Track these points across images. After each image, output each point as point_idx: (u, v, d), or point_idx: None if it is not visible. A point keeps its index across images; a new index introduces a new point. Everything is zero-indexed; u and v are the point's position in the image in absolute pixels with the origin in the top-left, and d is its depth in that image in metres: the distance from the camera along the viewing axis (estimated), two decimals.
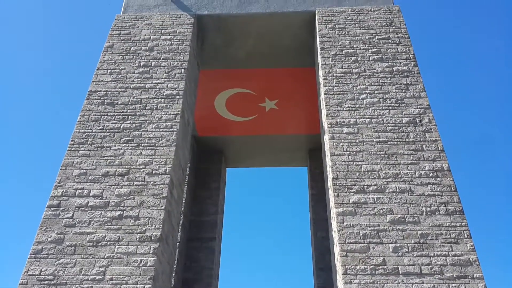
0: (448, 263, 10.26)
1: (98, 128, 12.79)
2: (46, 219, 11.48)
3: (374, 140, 12.01)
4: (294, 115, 17.65)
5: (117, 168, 12.09)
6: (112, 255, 10.90)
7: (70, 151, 12.52)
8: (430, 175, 11.43)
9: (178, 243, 14.70)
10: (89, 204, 11.60)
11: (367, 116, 12.37)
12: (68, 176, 12.07)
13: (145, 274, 10.65)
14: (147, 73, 13.71)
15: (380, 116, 12.35)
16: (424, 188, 11.24)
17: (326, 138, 12.66)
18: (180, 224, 15.05)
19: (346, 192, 11.36)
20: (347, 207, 11.21)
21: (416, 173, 11.48)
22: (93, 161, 12.26)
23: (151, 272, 10.71)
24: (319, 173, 17.49)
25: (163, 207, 11.48)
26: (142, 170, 12.03)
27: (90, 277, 10.62)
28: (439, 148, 11.77)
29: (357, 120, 12.33)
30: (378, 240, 10.68)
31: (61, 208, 11.63)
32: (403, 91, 12.75)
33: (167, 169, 12.02)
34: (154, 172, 11.98)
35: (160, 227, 11.19)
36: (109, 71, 13.86)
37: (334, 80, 13.06)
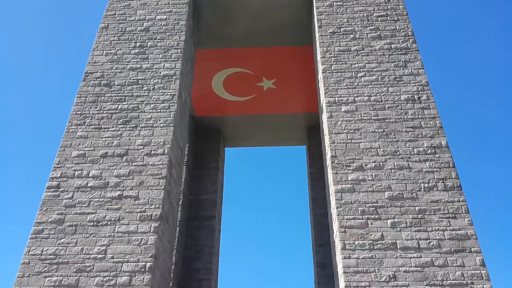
0: (446, 238, 10.38)
1: (95, 109, 12.75)
2: (46, 200, 11.53)
3: (373, 118, 12.01)
4: (292, 94, 17.61)
5: (115, 149, 12.10)
6: (112, 234, 10.99)
7: (68, 133, 12.50)
8: (429, 151, 11.48)
9: (178, 222, 14.82)
10: (89, 185, 11.65)
11: (365, 94, 12.35)
12: (67, 158, 12.08)
13: (146, 252, 10.76)
14: (143, 54, 13.61)
15: (378, 94, 12.33)
16: (422, 165, 11.30)
17: (324, 117, 12.66)
18: (179, 203, 15.14)
19: (344, 169, 11.41)
20: (345, 184, 11.28)
21: (415, 150, 11.52)
22: (91, 143, 12.26)
23: (152, 250, 10.82)
24: (318, 152, 17.54)
25: (163, 187, 11.53)
26: (140, 150, 12.04)
27: (92, 256, 10.73)
28: (438, 125, 11.79)
29: (356, 98, 12.31)
30: (377, 216, 10.78)
31: (61, 189, 11.68)
32: (402, 68, 12.70)
33: (166, 149, 12.04)
34: (152, 152, 12.00)
35: (160, 207, 11.26)
36: (104, 52, 13.75)
37: (332, 58, 13.00)
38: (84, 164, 11.92)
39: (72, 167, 11.91)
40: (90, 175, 11.78)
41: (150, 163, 11.84)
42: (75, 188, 11.63)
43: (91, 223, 11.12)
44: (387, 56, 12.95)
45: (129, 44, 13.86)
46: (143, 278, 10.42)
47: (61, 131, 13.02)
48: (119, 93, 12.93)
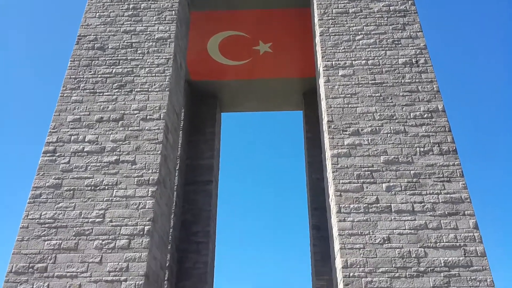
0: (440, 201, 10.52)
1: (90, 73, 12.58)
2: (43, 165, 11.54)
3: (370, 82, 11.93)
4: (289, 58, 17.39)
5: (111, 114, 12.02)
6: (110, 198, 11.08)
7: (63, 97, 12.38)
8: (425, 116, 11.47)
9: (175, 186, 14.92)
10: (85, 150, 11.63)
11: (363, 58, 12.21)
12: (62, 122, 12.01)
13: (144, 216, 10.88)
14: (136, 16, 13.32)
15: (376, 58, 12.19)
16: (418, 129, 11.31)
17: (321, 81, 12.55)
18: (176, 168, 15.20)
19: (341, 134, 11.42)
20: (341, 149, 11.31)
21: (411, 114, 11.50)
22: (86, 107, 12.16)
23: (150, 214, 10.94)
24: (314, 117, 17.50)
25: (159, 152, 11.54)
26: (136, 115, 11.97)
27: (90, 220, 10.85)
28: (435, 89, 11.73)
29: (353, 62, 12.18)
30: (372, 180, 10.88)
31: (57, 154, 11.67)
32: (400, 31, 12.51)
33: (162, 114, 11.97)
34: (148, 117, 11.93)
35: (157, 171, 11.31)
36: (97, 14, 13.44)
37: (330, 20, 12.76)
38: (80, 129, 11.87)
39: (68, 132, 11.86)
40: (86, 140, 11.75)
41: (146, 128, 11.79)
42: (71, 153, 11.62)
43: (89, 188, 11.18)
44: (385, 18, 12.73)
45: (122, 6, 13.54)
46: (142, 241, 10.58)
47: (56, 95, 12.90)
48: (113, 56, 12.73)
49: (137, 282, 10.22)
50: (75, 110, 12.14)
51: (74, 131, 11.86)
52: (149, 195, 11.20)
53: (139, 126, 11.82)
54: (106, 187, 11.18)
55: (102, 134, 11.75)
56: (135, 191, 11.16)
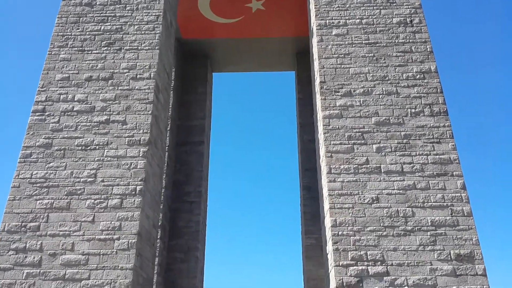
0: (429, 162, 10.65)
1: (78, 30, 12.26)
2: (32, 124, 11.43)
3: (363, 42, 11.77)
4: (282, 17, 17.03)
5: (100, 73, 11.82)
6: (101, 158, 11.06)
7: (51, 55, 12.11)
8: (417, 77, 11.41)
9: (167, 147, 14.91)
10: (75, 109, 11.50)
11: (357, 17, 11.99)
12: (51, 81, 11.81)
13: (136, 176, 10.92)
14: None
15: (370, 17, 11.97)
16: (410, 90, 11.28)
17: (314, 41, 12.36)
18: (168, 128, 15.14)
19: (333, 95, 11.37)
20: (333, 110, 11.29)
21: (404, 75, 11.44)
22: (75, 65, 11.93)
23: (142, 174, 10.98)
24: (307, 77, 17.36)
25: (150, 112, 11.45)
26: (126, 74, 11.78)
27: (82, 179, 10.87)
28: (428, 49, 11.62)
29: (347, 21, 11.96)
30: (363, 141, 10.93)
31: (47, 113, 11.53)
32: None
33: (152, 73, 11.79)
34: (138, 76, 11.76)
35: (148, 131, 11.26)
36: None
37: None
38: (69, 88, 11.69)
39: (57, 90, 11.68)
40: (75, 99, 11.60)
41: (136, 87, 11.64)
42: (61, 112, 11.49)
43: (79, 147, 11.13)
44: None
45: None
46: (134, 200, 10.66)
47: (44, 53, 12.61)
48: (101, 13, 12.38)
49: (130, 241, 10.38)
50: (63, 69, 11.91)
51: (63, 90, 11.68)
52: (140, 155, 11.19)
53: (129, 86, 11.66)
54: (97, 147, 11.14)
55: (92, 93, 11.59)
56: (126, 151, 11.14)
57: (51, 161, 11.38)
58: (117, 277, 10.16)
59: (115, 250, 10.42)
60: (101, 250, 10.40)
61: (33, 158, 11.35)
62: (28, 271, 10.21)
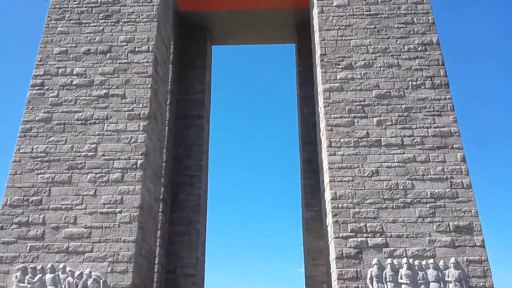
0: (430, 135, 10.64)
1: (75, 3, 12.06)
2: (32, 98, 11.37)
3: (365, 13, 11.60)
4: None
5: (98, 46, 11.69)
6: (102, 132, 11.05)
7: (48, 28, 11.96)
8: (419, 48, 11.29)
9: (167, 121, 14.86)
10: (74, 83, 11.43)
11: None
12: (49, 55, 11.69)
13: (137, 150, 10.94)
14: None
15: None
16: (411, 62, 11.18)
17: (315, 12, 12.18)
18: (167, 102, 15.06)
19: (333, 68, 11.28)
20: (334, 83, 11.22)
21: (405, 47, 11.32)
22: (73, 39, 11.79)
23: (142, 148, 11.00)
24: (307, 50, 17.17)
25: (149, 86, 11.38)
26: (124, 47, 11.65)
27: (83, 154, 10.89)
28: (430, 20, 11.46)
29: None
30: (363, 114, 10.91)
31: (46, 87, 11.46)
32: None
33: (150, 46, 11.66)
34: (137, 49, 11.63)
35: (148, 105, 11.21)
36: None
37: None
38: (67, 62, 11.58)
39: (55, 64, 11.58)
40: (74, 73, 11.51)
41: (135, 60, 11.53)
42: (59, 86, 11.42)
43: (79, 122, 11.11)
44: None
45: None
46: (135, 174, 10.71)
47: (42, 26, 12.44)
48: None
49: (132, 214, 10.48)
50: (61, 42, 11.77)
51: (62, 63, 11.57)
52: (140, 129, 11.18)
53: (128, 59, 11.55)
54: (97, 121, 11.12)
55: (90, 67, 11.49)
56: (126, 125, 11.13)
57: (51, 135, 11.37)
58: (119, 249, 10.30)
59: (117, 223, 10.53)
60: (104, 223, 10.50)
61: (33, 132, 11.33)
62: (32, 244, 10.34)
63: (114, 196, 10.55)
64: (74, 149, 10.92)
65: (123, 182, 10.61)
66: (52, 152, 10.94)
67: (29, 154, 10.93)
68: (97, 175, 10.66)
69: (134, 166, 10.74)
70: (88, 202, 10.50)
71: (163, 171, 13.69)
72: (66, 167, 10.80)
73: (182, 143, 15.49)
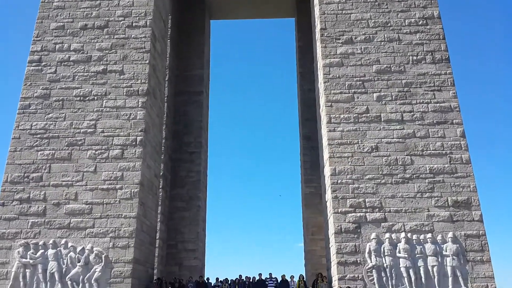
0: (430, 110, 10.61)
1: None
2: (30, 75, 11.28)
3: None
4: None
5: (95, 21, 11.53)
6: (100, 109, 11.01)
7: (44, 3, 11.78)
8: (420, 23, 11.15)
9: (166, 97, 14.78)
10: (71, 59, 11.32)
11: None
12: (46, 30, 11.55)
13: (136, 126, 10.91)
14: None
15: None
16: (412, 37, 11.06)
17: None
18: (166, 78, 14.94)
19: (333, 43, 11.16)
20: (334, 58, 11.12)
21: (406, 21, 11.17)
22: (69, 14, 11.62)
23: (141, 125, 10.97)
24: (307, 24, 16.94)
25: (147, 61, 11.27)
26: (121, 22, 11.50)
27: (82, 130, 10.87)
28: None
29: None
30: (363, 90, 10.85)
31: (43, 63, 11.36)
32: None
33: (148, 21, 11.51)
34: (134, 24, 11.48)
35: (146, 81, 11.13)
36: None
37: None
38: (64, 37, 11.44)
39: (52, 40, 11.45)
40: (71, 49, 11.38)
41: (132, 36, 11.39)
42: (57, 62, 11.31)
43: (78, 98, 11.05)
44: None
45: None
46: (135, 151, 10.72)
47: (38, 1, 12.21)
48: None
49: (132, 190, 10.53)
50: (58, 17, 11.61)
51: (59, 39, 11.44)
52: (139, 105, 11.12)
53: (125, 34, 11.41)
54: (95, 97, 11.05)
55: (88, 42, 11.36)
56: (125, 102, 11.07)
57: (50, 112, 11.31)
58: (121, 225, 10.39)
59: (118, 199, 10.59)
60: (104, 200, 10.56)
61: (32, 109, 11.27)
62: (33, 220, 10.42)
63: (114, 172, 10.58)
64: (73, 126, 10.89)
65: (123, 158, 10.63)
66: (52, 128, 10.92)
67: (28, 131, 10.91)
68: (97, 152, 10.67)
69: (134, 143, 10.74)
70: (89, 178, 10.54)
71: (162, 147, 13.70)
72: (66, 143, 10.80)
73: (181, 120, 15.46)
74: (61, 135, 10.84)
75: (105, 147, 10.70)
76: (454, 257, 9.70)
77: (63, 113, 11.02)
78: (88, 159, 10.62)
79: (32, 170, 10.62)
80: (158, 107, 12.38)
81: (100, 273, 9.87)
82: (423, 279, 9.56)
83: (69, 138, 10.81)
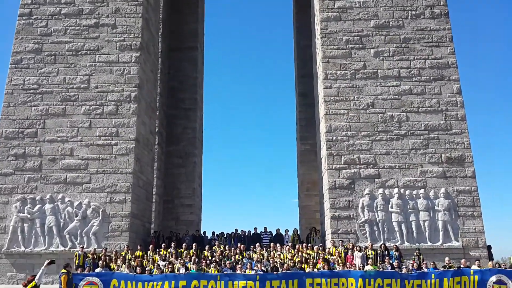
0: (427, 66, 10.51)
1: None
2: (21, 29, 11.01)
3: None
4: None
5: None
6: (93, 64, 10.83)
7: None
8: None
9: (160, 53, 14.53)
10: (62, 12, 11.02)
11: None
12: None
13: (130, 82, 10.78)
14: None
15: None
16: None
17: None
18: (160, 33, 14.63)
19: None
20: (332, 12, 10.88)
21: None
22: None
23: (135, 80, 10.83)
24: None
25: (140, 15, 10.98)
26: None
27: (75, 86, 10.73)
28: None
29: None
30: (361, 45, 10.69)
31: (34, 17, 11.06)
32: None
33: None
34: None
35: (140, 36, 10.90)
36: None
37: None
38: None
39: None
40: (62, 1, 11.06)
41: None
42: (48, 15, 11.02)
43: (70, 53, 10.84)
44: None
45: None
46: (130, 107, 10.64)
47: None
48: None
49: (128, 146, 10.53)
50: None
51: None
52: (133, 60, 10.93)
53: None
54: (88, 52, 10.84)
55: None
56: (118, 57, 10.88)
57: (43, 66, 11.11)
58: (117, 180, 10.45)
59: (114, 155, 10.59)
60: (100, 155, 10.57)
61: (24, 63, 11.06)
62: (30, 175, 10.45)
63: (109, 128, 10.54)
64: (66, 81, 10.75)
65: (118, 114, 10.57)
66: (45, 84, 10.77)
67: (21, 86, 10.77)
68: (91, 108, 10.58)
69: (128, 99, 10.64)
70: (84, 134, 10.51)
71: (157, 104, 13.60)
72: (60, 99, 10.69)
73: (176, 76, 15.27)
74: (55, 90, 10.71)
75: (99, 103, 10.61)
76: (445, 212, 9.90)
77: (55, 68, 10.85)
78: (83, 115, 10.55)
79: (26, 126, 10.56)
80: (152, 62, 12.20)
81: (97, 227, 10.03)
82: (414, 233, 9.80)
83: (63, 94, 10.69)
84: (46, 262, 4.13)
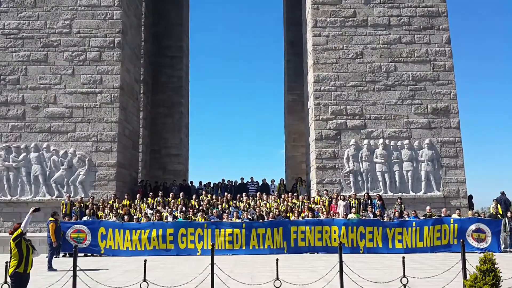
0: (417, 15, 10.31)
1: None
2: None
3: None
4: None
5: None
6: (75, 7, 10.41)
7: None
8: None
9: None
10: None
11: None
12: None
13: (113, 27, 10.42)
14: None
15: None
16: None
17: None
18: None
19: None
20: None
21: None
22: None
23: (119, 26, 10.47)
24: None
25: None
26: None
27: (57, 31, 10.35)
28: None
29: None
30: None
31: None
32: None
33: None
34: None
35: None
36: None
37: None
38: None
39: None
40: None
41: None
42: None
43: None
44: None
45: None
46: (113, 53, 10.36)
47: None
48: None
49: (112, 94, 10.34)
50: None
51: None
52: (115, 4, 10.51)
53: None
54: None
55: None
56: (100, 0, 10.46)
57: (23, 10, 10.65)
58: (103, 129, 10.34)
59: (99, 104, 10.41)
60: (84, 104, 10.38)
61: (3, 7, 10.58)
62: (13, 124, 10.27)
63: (93, 76, 10.30)
64: (47, 26, 10.36)
65: (101, 61, 10.30)
66: (25, 28, 10.38)
67: (1, 31, 10.37)
68: (73, 54, 10.28)
69: (112, 45, 10.34)
70: (67, 81, 10.27)
71: (142, 51, 13.26)
72: (41, 44, 10.34)
73: (160, 21, 14.78)
74: (36, 35, 10.35)
75: (82, 49, 10.31)
76: (429, 162, 10.06)
77: (36, 11, 10.42)
78: (65, 61, 10.27)
79: (8, 72, 10.27)
80: (135, 6, 11.77)
81: (84, 176, 10.02)
82: (397, 183, 10.00)
83: (44, 39, 10.34)
84: (31, 209, 4.13)
